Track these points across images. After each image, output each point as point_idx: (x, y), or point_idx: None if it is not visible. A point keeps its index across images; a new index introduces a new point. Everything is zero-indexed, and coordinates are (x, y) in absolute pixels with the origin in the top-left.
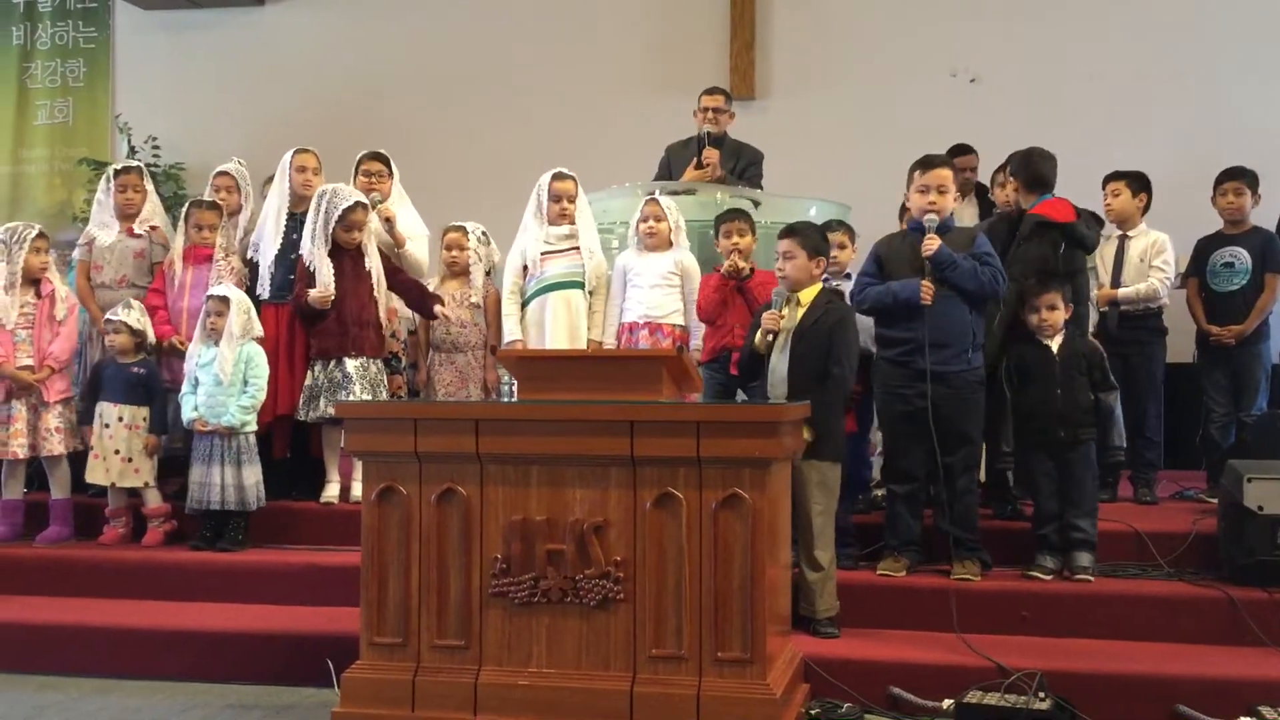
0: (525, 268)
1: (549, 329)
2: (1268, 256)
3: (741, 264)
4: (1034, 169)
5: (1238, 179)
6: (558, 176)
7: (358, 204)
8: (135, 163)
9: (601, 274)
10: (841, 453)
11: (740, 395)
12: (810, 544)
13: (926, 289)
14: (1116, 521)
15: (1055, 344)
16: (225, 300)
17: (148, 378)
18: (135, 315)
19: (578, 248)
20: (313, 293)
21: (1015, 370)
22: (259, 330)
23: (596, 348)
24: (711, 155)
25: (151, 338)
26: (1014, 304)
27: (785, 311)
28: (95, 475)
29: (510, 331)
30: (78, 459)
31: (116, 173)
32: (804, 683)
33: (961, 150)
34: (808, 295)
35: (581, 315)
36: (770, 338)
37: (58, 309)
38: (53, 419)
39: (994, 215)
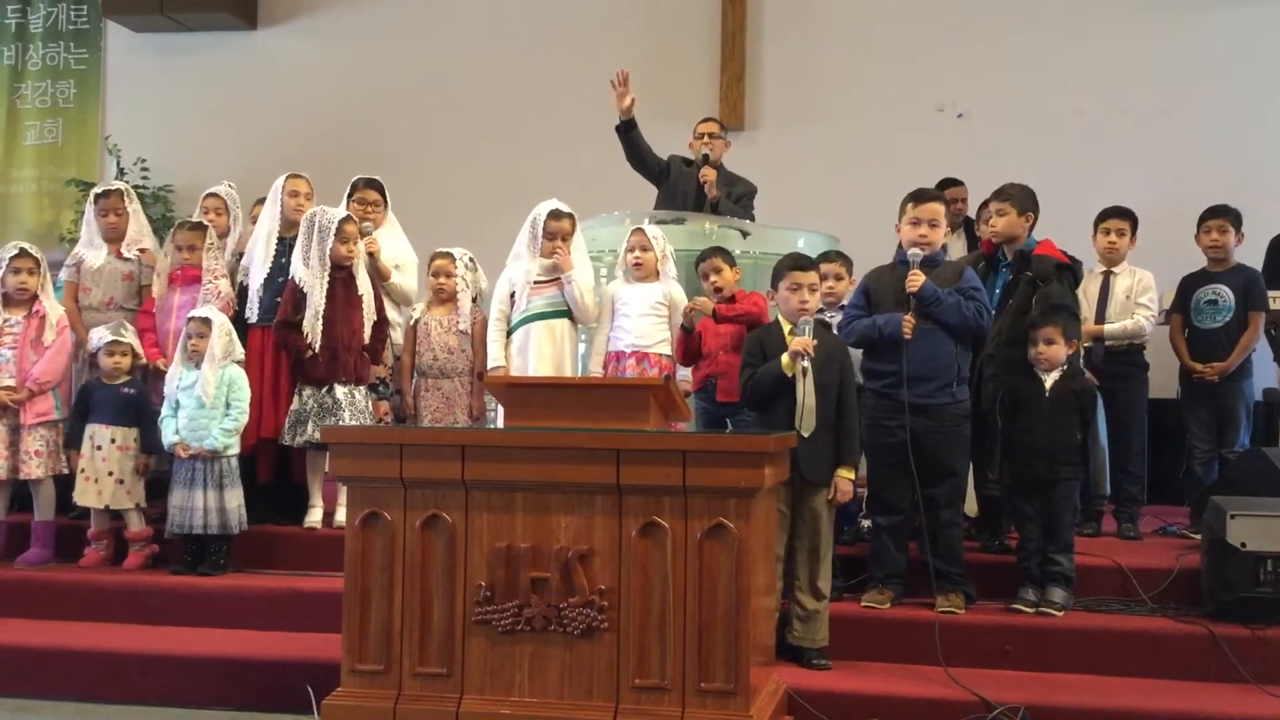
0: (513, 296)
1: (532, 357)
2: (1251, 294)
3: (692, 315)
4: (1034, 202)
5: (1221, 217)
6: (554, 215)
7: (348, 216)
8: (117, 185)
9: (591, 298)
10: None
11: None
12: (816, 572)
13: (907, 323)
14: (1100, 556)
15: (1050, 379)
16: (207, 322)
17: (138, 398)
18: (133, 336)
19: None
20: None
21: (1009, 401)
22: (240, 353)
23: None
24: (708, 175)
25: (141, 358)
26: None
27: (814, 339)
28: (86, 498)
29: (494, 358)
30: (62, 480)
31: (97, 196)
32: (787, 714)
33: (951, 183)
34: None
35: (566, 344)
36: (806, 362)
37: (47, 331)
38: (33, 441)
39: (972, 254)
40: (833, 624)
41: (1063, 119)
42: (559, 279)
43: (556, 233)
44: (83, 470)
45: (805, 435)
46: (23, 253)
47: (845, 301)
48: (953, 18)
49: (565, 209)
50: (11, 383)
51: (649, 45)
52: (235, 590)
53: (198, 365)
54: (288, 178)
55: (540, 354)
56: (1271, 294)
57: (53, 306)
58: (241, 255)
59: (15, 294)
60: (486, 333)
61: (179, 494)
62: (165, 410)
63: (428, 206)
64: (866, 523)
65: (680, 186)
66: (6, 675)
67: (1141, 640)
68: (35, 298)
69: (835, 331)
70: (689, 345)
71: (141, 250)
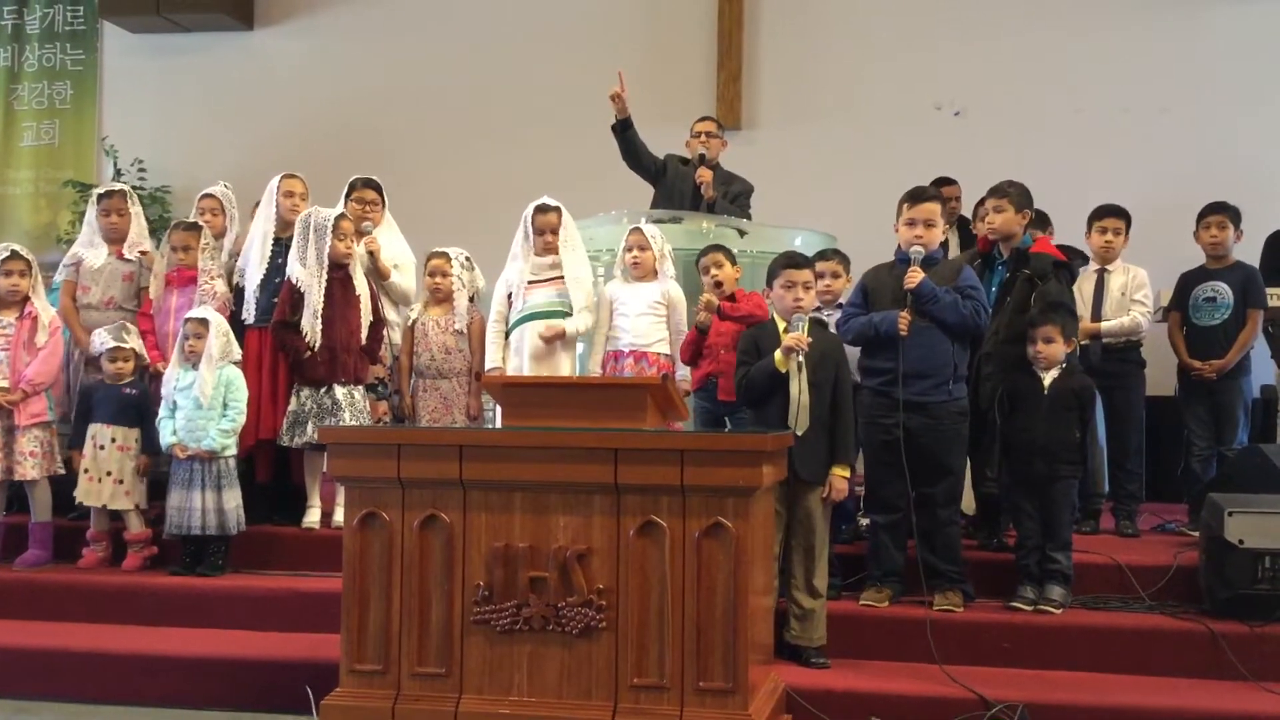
0: (510, 297)
1: (528, 357)
2: (1249, 291)
3: (704, 316)
4: (1030, 200)
5: (1221, 213)
6: (540, 210)
7: (341, 214)
8: (120, 186)
9: (590, 298)
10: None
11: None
12: (812, 570)
13: (903, 319)
14: (1098, 554)
15: (1049, 377)
16: (204, 323)
17: (139, 399)
18: (136, 339)
19: (562, 277)
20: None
21: (1007, 399)
22: (237, 353)
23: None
24: (705, 175)
25: (145, 359)
26: None
27: (808, 336)
28: (89, 497)
29: (492, 359)
30: (59, 481)
31: (100, 197)
32: (786, 713)
33: (944, 182)
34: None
35: (562, 344)
36: (800, 358)
37: (39, 333)
38: (27, 442)
39: (968, 252)
40: (831, 622)
41: (1062, 117)
42: (554, 278)
43: (545, 227)
44: (85, 470)
45: (799, 433)
46: (14, 254)
47: (843, 300)
48: (951, 14)
49: (552, 202)
50: (4, 384)
51: (646, 44)
52: (234, 591)
53: (195, 366)
54: (283, 178)
55: (536, 353)
56: (1270, 291)
57: (44, 308)
58: (238, 256)
59: (7, 296)
60: (484, 333)
61: (177, 495)
62: (163, 411)
63: (425, 206)
64: (865, 521)
65: (677, 186)
66: (6, 676)
67: (1140, 637)
68: (27, 299)
69: (833, 329)
70: (699, 347)
71: (143, 252)
